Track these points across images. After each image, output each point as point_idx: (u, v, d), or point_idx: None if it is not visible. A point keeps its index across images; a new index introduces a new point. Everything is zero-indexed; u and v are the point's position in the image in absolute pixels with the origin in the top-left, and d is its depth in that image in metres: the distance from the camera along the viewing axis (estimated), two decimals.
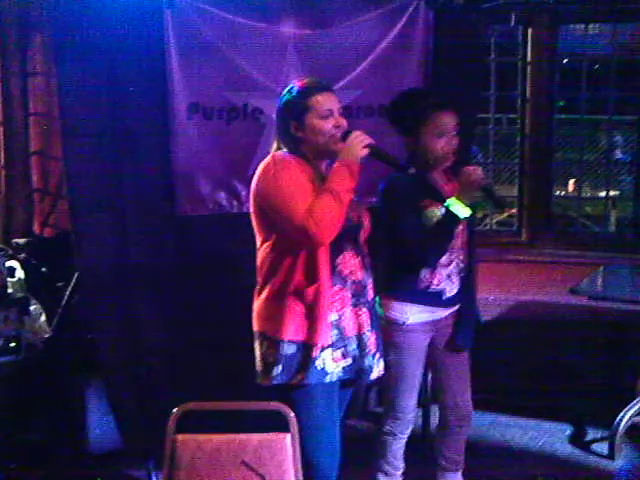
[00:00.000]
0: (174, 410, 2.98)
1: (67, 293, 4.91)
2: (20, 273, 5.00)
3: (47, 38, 5.30)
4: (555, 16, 6.51)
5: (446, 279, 3.84)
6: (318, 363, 3.24)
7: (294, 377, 3.24)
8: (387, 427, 3.99)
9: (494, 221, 8.01)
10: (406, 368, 3.88)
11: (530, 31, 6.53)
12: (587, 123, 7.90)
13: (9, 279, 4.93)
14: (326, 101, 3.31)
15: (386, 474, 4.06)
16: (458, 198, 3.60)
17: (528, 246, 6.78)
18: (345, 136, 3.25)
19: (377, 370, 3.48)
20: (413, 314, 3.82)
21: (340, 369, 3.31)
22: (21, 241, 5.36)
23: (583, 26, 6.81)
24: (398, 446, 4.03)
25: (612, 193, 8.69)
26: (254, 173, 3.29)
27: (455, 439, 4.13)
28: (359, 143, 3.21)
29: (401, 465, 4.08)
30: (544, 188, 6.82)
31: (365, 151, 3.22)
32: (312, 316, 3.23)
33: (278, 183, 3.16)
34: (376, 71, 4.76)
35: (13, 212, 5.66)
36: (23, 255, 5.18)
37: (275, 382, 3.25)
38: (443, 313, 3.92)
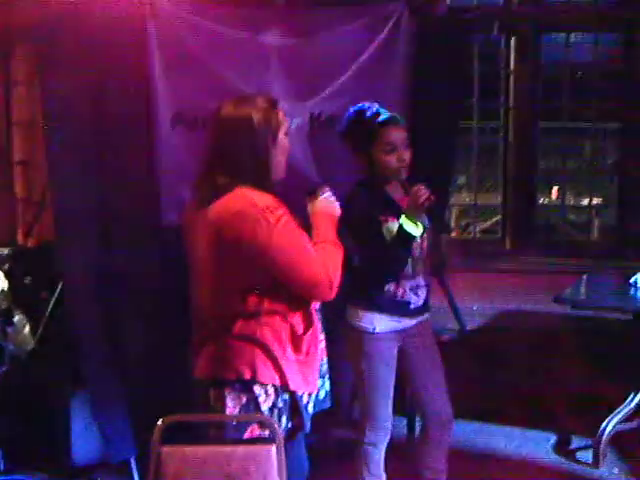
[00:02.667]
0: (159, 422, 2.97)
1: (51, 304, 4.89)
2: (3, 284, 4.98)
3: (30, 47, 5.29)
4: (537, 25, 6.55)
5: (410, 291, 3.89)
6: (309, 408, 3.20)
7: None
8: (366, 437, 3.99)
9: (478, 230, 8.04)
10: (378, 376, 3.89)
11: (513, 40, 6.58)
12: (570, 131, 7.93)
13: None
14: None
15: None
16: (408, 217, 3.60)
17: (512, 254, 6.82)
18: (314, 192, 3.19)
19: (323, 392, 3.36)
20: (381, 323, 3.85)
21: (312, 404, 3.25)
22: (4, 251, 5.34)
23: (565, 35, 6.85)
24: (378, 456, 4.04)
25: (595, 201, 8.73)
26: None
27: (437, 448, 4.13)
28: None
29: (383, 476, 4.08)
30: (527, 196, 6.87)
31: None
32: (307, 362, 3.12)
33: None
34: (359, 80, 4.77)
35: None
36: (6, 265, 5.16)
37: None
38: (411, 322, 3.95)
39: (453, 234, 8.07)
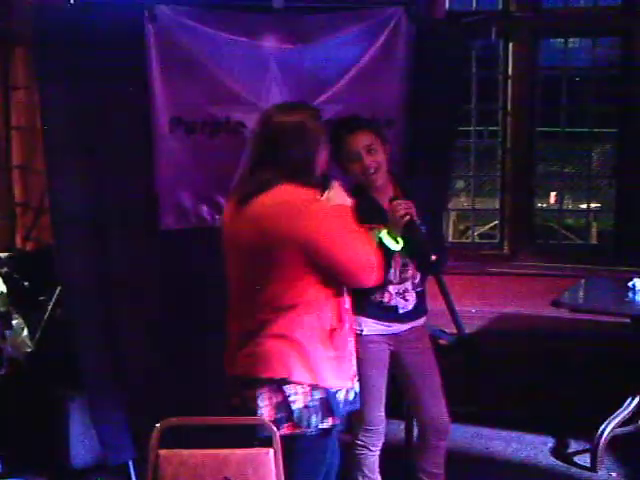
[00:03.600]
0: (157, 425, 2.97)
1: (49, 307, 4.90)
2: (2, 287, 4.99)
3: (29, 52, 5.30)
4: (535, 30, 6.56)
5: (397, 295, 3.90)
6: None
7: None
8: (360, 440, 4.01)
9: (476, 234, 8.05)
10: (368, 379, 3.86)
11: (511, 45, 6.59)
12: (568, 135, 7.94)
13: None
14: None
15: None
16: (388, 231, 3.50)
17: (510, 259, 6.82)
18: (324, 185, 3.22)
19: None
20: (368, 325, 3.87)
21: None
22: (3, 255, 5.35)
23: (563, 40, 6.86)
24: (372, 459, 4.05)
25: (593, 205, 8.74)
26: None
27: (434, 453, 4.12)
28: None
29: (378, 478, 4.09)
30: (525, 201, 6.87)
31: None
32: (340, 358, 3.19)
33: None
34: (358, 85, 4.77)
35: None
36: (5, 269, 5.17)
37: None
38: (401, 327, 3.96)
39: (450, 239, 8.09)
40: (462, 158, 7.81)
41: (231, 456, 2.94)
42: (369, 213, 3.67)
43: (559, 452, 5.15)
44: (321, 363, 3.11)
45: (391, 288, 3.87)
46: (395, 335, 3.95)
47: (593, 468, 4.86)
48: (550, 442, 5.28)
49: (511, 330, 6.32)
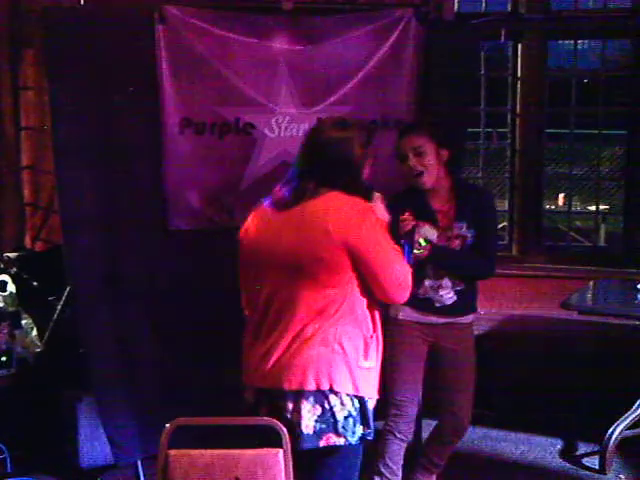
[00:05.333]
0: (166, 425, 2.97)
1: (58, 307, 4.91)
2: (11, 287, 5.00)
3: (39, 53, 5.31)
4: (544, 32, 6.54)
5: (431, 290, 4.03)
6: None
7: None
8: (388, 425, 4.07)
9: None
10: (399, 362, 4.02)
11: (520, 46, 6.56)
12: (576, 137, 7.92)
13: (0, 293, 4.93)
14: None
15: (382, 477, 4.08)
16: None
17: (518, 260, 6.80)
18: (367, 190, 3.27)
19: None
20: (404, 311, 4.03)
21: None
22: (12, 255, 5.36)
23: (572, 42, 6.84)
24: (397, 447, 4.08)
25: (602, 207, 8.72)
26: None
27: (445, 448, 4.23)
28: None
29: (399, 473, 4.10)
30: (534, 202, 6.84)
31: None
32: (375, 369, 3.20)
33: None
34: (367, 87, 4.78)
35: (4, 226, 5.67)
36: (14, 269, 5.18)
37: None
38: (438, 320, 4.08)
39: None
40: (471, 160, 7.79)
41: (241, 456, 2.94)
42: (416, 210, 3.82)
43: (568, 454, 5.14)
44: (361, 373, 3.11)
45: (426, 282, 4.02)
46: (431, 326, 4.08)
47: (602, 470, 4.85)
48: (559, 444, 5.27)
49: (520, 332, 6.30)
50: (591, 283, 5.52)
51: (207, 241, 4.59)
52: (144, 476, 4.46)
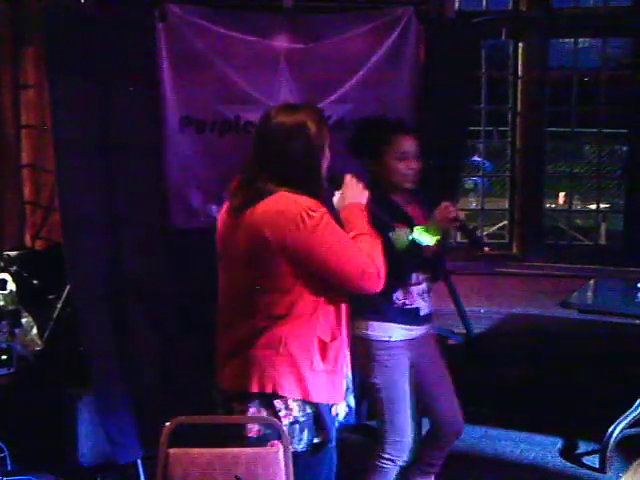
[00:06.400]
0: (166, 424, 2.97)
1: (59, 306, 4.91)
2: (12, 285, 5.00)
3: (39, 51, 5.31)
4: (545, 30, 6.54)
5: (418, 297, 3.87)
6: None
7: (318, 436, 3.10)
8: (387, 454, 3.87)
9: (485, 234, 8.03)
10: (397, 387, 3.82)
11: (521, 45, 6.57)
12: (577, 136, 7.93)
13: (0, 292, 4.93)
14: None
15: None
16: (426, 228, 3.64)
17: (519, 259, 6.81)
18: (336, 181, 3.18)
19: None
20: (395, 332, 3.82)
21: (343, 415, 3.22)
22: (13, 253, 5.36)
23: (573, 40, 6.84)
24: (394, 473, 3.92)
25: (602, 206, 8.73)
26: None
27: (442, 448, 4.11)
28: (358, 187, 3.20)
29: None
30: (535, 201, 6.86)
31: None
32: (334, 372, 3.09)
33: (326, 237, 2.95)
34: (368, 85, 4.78)
35: (5, 224, 5.66)
36: (15, 268, 5.18)
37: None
38: (419, 331, 3.91)
39: (458, 239, 8.08)
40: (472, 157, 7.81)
41: (241, 455, 2.94)
42: (390, 211, 3.74)
43: (568, 453, 5.13)
44: (312, 377, 3.01)
45: (413, 289, 3.85)
46: (413, 340, 3.89)
47: (602, 469, 4.85)
48: (559, 443, 5.26)
49: (520, 330, 6.31)
50: (591, 282, 5.52)
51: (207, 239, 4.58)
52: (144, 474, 4.46)
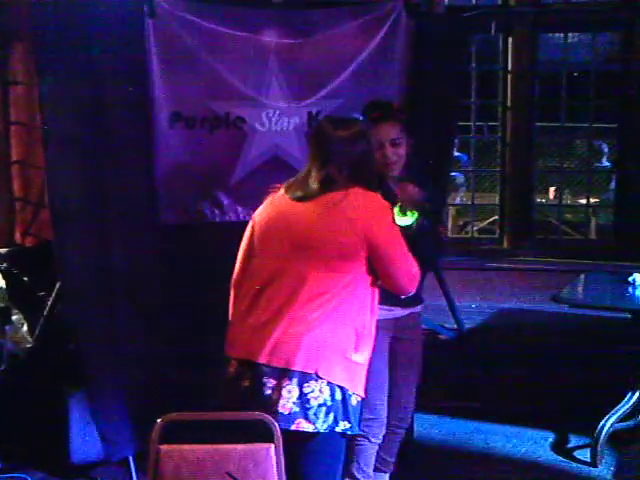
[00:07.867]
0: (158, 420, 2.97)
1: (49, 303, 4.89)
2: (1, 283, 4.98)
3: (28, 47, 5.29)
4: (535, 25, 6.55)
5: None
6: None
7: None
8: (361, 430, 3.78)
9: (475, 229, 8.05)
10: (373, 366, 3.76)
11: (510, 40, 6.59)
12: (567, 131, 7.94)
13: None
14: None
15: None
16: (400, 209, 3.70)
17: (509, 254, 6.83)
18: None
19: None
20: None
21: None
22: (2, 250, 5.34)
23: (563, 35, 6.86)
24: (371, 452, 3.99)
25: (593, 200, 8.74)
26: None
27: (391, 439, 4.11)
28: None
29: (371, 474, 4.04)
30: (525, 196, 6.88)
31: None
32: (363, 365, 3.26)
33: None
34: (357, 80, 4.78)
35: None
36: (4, 264, 5.16)
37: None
38: (403, 312, 3.95)
39: (449, 234, 8.09)
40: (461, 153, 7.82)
41: (232, 451, 2.95)
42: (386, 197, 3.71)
43: (559, 447, 5.14)
44: (349, 365, 3.15)
45: None
46: (395, 320, 3.94)
47: (593, 463, 4.86)
48: (550, 437, 5.27)
49: (511, 325, 6.32)
50: (582, 276, 5.53)
51: (198, 235, 4.58)
52: (136, 471, 4.45)
